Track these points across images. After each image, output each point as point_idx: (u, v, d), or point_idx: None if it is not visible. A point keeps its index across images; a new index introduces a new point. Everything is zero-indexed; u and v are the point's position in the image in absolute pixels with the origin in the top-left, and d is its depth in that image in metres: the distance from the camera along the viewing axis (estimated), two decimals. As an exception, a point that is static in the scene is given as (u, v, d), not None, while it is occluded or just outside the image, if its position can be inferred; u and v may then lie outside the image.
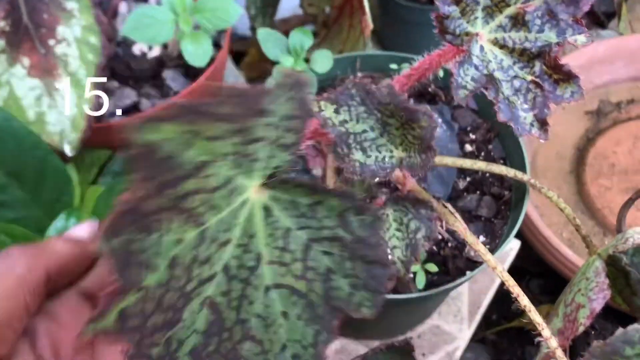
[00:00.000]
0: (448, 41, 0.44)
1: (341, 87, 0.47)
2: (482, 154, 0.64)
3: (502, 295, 0.84)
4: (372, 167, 0.48)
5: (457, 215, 0.61)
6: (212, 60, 0.68)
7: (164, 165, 0.29)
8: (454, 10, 0.43)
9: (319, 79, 0.67)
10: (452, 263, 0.57)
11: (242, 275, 0.34)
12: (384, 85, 0.46)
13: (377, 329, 0.71)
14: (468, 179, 0.63)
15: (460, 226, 0.50)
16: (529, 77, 0.44)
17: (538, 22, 0.43)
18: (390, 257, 0.52)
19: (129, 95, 0.66)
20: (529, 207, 0.83)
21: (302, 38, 0.62)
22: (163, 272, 0.31)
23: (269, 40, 0.62)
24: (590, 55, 0.95)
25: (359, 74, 0.70)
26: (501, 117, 0.43)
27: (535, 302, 0.88)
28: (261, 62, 0.85)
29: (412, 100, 0.49)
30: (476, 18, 0.44)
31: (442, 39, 0.45)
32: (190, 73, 0.69)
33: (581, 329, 0.46)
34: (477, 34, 0.44)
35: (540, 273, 0.89)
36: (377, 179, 0.48)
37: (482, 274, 0.78)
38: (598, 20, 1.14)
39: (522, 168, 0.61)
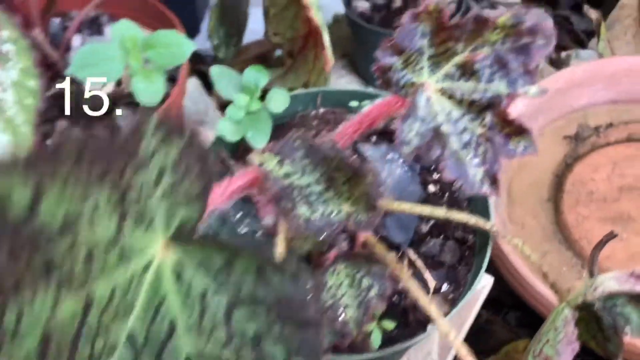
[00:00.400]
0: (393, 92, 0.41)
1: (284, 139, 0.44)
2: (446, 195, 0.61)
3: (477, 331, 0.81)
4: (318, 223, 0.45)
5: (420, 262, 0.58)
6: (166, 96, 0.65)
7: (20, 225, 0.25)
8: (396, 61, 0.39)
9: (279, 115, 0.64)
10: (412, 315, 0.54)
11: (154, 346, 0.31)
12: (327, 140, 0.43)
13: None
14: (431, 222, 0.59)
15: (412, 286, 0.47)
16: (479, 130, 0.41)
17: (488, 71, 0.40)
18: (342, 316, 0.49)
19: (79, 136, 0.62)
20: (503, 240, 0.80)
21: (256, 75, 0.59)
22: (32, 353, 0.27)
23: (222, 78, 0.59)
24: (568, 78, 0.92)
25: (321, 110, 0.66)
26: (448, 174, 0.40)
27: (513, 335, 0.84)
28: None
29: (368, 146, 0.46)
30: (422, 68, 0.41)
31: (386, 90, 0.41)
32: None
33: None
34: (423, 84, 0.41)
35: (518, 305, 0.85)
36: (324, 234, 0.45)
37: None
38: (578, 39, 1.11)
39: (486, 211, 0.58)
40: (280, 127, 0.65)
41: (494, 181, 0.40)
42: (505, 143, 0.40)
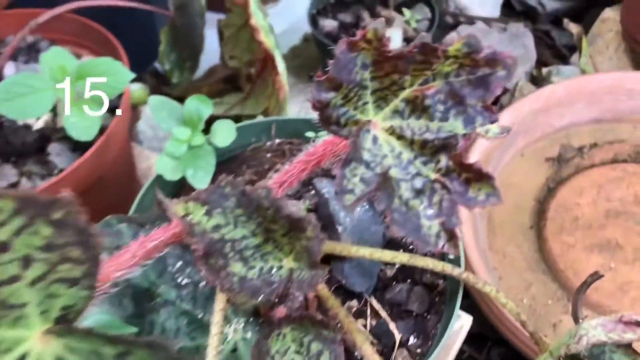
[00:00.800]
0: (333, 132, 0.35)
1: (212, 185, 0.38)
2: (412, 234, 0.55)
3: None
4: (255, 283, 0.39)
5: (384, 312, 0.52)
6: (104, 129, 0.58)
7: None
8: (333, 96, 0.33)
9: (229, 148, 0.58)
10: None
11: None
12: (262, 187, 0.37)
13: None
14: (397, 265, 0.54)
15: (368, 351, 0.41)
16: (434, 175, 0.35)
17: (441, 107, 0.34)
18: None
19: (8, 175, 0.56)
20: (484, 272, 0.74)
21: (198, 106, 0.53)
22: None
23: (162, 110, 0.53)
24: (548, 96, 0.86)
25: (276, 140, 0.61)
26: (395, 230, 0.34)
27: (497, 373, 0.78)
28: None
29: (325, 181, 0.40)
30: (365, 104, 0.35)
31: (326, 130, 0.36)
32: (80, 146, 0.59)
33: None
34: (368, 123, 0.35)
35: (501, 341, 0.79)
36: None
37: None
38: (559, 54, 1.05)
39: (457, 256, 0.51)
40: (230, 161, 0.59)
41: (451, 236, 0.34)
42: (464, 190, 0.34)
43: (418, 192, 0.35)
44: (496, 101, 0.99)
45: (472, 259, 0.73)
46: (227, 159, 0.59)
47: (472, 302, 0.74)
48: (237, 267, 0.38)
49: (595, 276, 0.54)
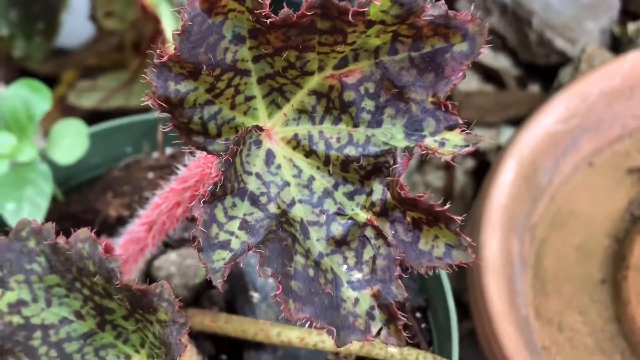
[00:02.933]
0: (198, 146, 0.34)
1: (4, 238, 0.37)
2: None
3: None
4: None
5: None
6: None
7: None
8: (190, 89, 0.32)
9: (85, 166, 0.57)
10: None
11: None
12: (81, 239, 0.36)
13: None
14: (353, 355, 0.52)
15: None
16: (364, 215, 0.34)
17: (369, 104, 0.33)
18: None
19: None
20: (523, 355, 0.73)
21: (28, 97, 0.52)
22: None
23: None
24: (630, 71, 0.86)
25: (167, 151, 0.60)
26: (293, 308, 0.32)
27: None
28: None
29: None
30: (250, 99, 0.33)
31: (187, 142, 0.34)
32: None
33: None
34: (259, 130, 0.34)
35: None
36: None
37: None
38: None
39: (447, 332, 0.50)
40: (86, 186, 0.58)
41: (391, 316, 0.33)
42: (412, 240, 0.33)
43: (339, 244, 0.34)
44: (552, 79, 0.98)
45: (503, 333, 0.72)
46: (83, 182, 0.59)
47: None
48: (53, 371, 0.38)
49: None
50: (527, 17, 0.98)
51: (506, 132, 0.95)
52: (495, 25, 0.99)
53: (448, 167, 0.95)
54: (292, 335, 0.47)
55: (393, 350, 0.46)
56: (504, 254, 0.77)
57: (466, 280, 0.78)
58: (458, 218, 0.33)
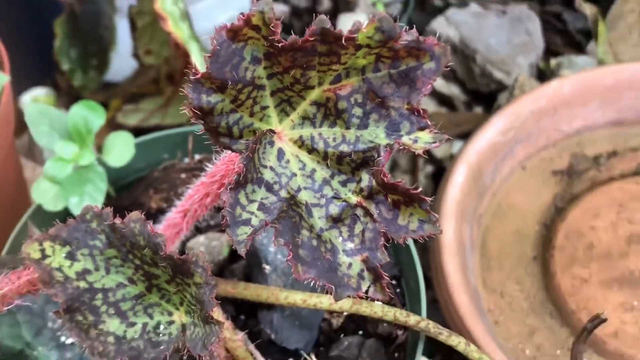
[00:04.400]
0: (225, 146, 0.34)
1: (73, 220, 0.37)
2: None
3: None
4: (136, 344, 0.37)
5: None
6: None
7: None
8: (218, 101, 0.32)
9: (131, 169, 0.57)
10: None
11: None
12: (133, 220, 0.35)
13: None
14: (345, 312, 0.52)
15: None
16: (355, 198, 0.33)
17: (358, 111, 0.33)
18: None
19: None
20: (473, 316, 0.72)
21: (87, 115, 0.52)
22: None
23: (42, 121, 0.52)
24: (554, 94, 0.86)
25: (197, 157, 0.59)
26: (301, 271, 0.32)
27: None
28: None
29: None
30: (265, 108, 0.33)
31: (215, 143, 0.34)
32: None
33: None
34: (272, 133, 0.34)
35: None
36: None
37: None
38: (573, 41, 1.05)
39: (417, 296, 0.50)
40: (134, 185, 0.57)
41: (377, 276, 0.33)
42: (392, 217, 0.33)
43: (335, 221, 0.34)
44: (492, 102, 0.98)
45: (458, 300, 0.72)
46: (130, 182, 0.58)
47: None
48: (112, 325, 0.37)
49: (597, 320, 0.53)
50: (472, 55, 0.98)
51: (457, 144, 0.95)
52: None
53: (413, 171, 0.94)
54: (297, 298, 0.47)
55: (376, 308, 0.45)
56: (457, 239, 0.77)
57: (429, 259, 0.77)
58: (428, 199, 0.33)
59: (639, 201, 0.82)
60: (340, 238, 0.34)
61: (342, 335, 0.52)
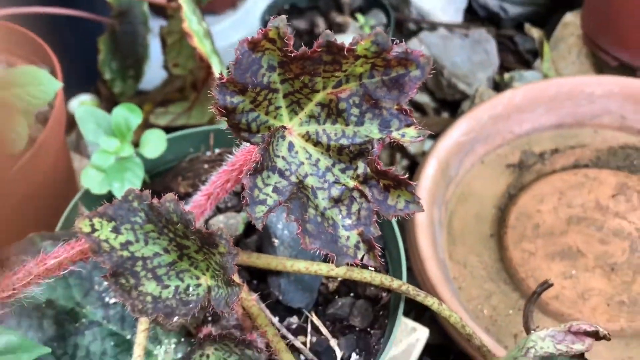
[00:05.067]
0: (244, 139, 0.33)
1: (118, 200, 0.36)
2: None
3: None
4: (170, 302, 0.37)
5: (324, 328, 0.50)
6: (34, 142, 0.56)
7: None
8: (240, 101, 0.32)
9: (163, 160, 0.56)
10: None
11: None
12: (169, 200, 0.35)
13: None
14: (339, 278, 0.51)
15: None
16: (352, 183, 0.33)
17: (355, 111, 0.32)
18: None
19: None
20: (442, 283, 0.72)
21: (127, 115, 0.51)
22: None
23: (89, 120, 0.51)
24: (507, 102, 0.86)
25: (216, 150, 0.58)
26: (309, 242, 0.32)
27: (460, 387, 0.76)
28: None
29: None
30: (278, 108, 0.33)
31: (237, 137, 0.34)
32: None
33: None
34: (284, 128, 0.33)
35: (464, 352, 0.78)
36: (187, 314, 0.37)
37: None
38: (523, 59, 1.05)
39: (399, 265, 0.50)
40: (165, 173, 0.57)
41: (370, 246, 0.32)
42: (383, 198, 0.32)
43: (336, 201, 0.33)
44: (457, 108, 0.98)
45: (429, 269, 0.72)
46: (162, 171, 0.57)
47: (434, 314, 0.72)
48: (150, 287, 0.36)
49: (545, 285, 0.53)
50: (441, 70, 0.98)
51: (428, 143, 0.94)
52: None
53: (391, 164, 0.94)
54: (300, 266, 0.46)
55: (365, 274, 0.45)
56: (429, 219, 0.77)
57: (405, 236, 0.77)
58: (414, 183, 0.32)
59: (576, 189, 0.82)
60: (340, 215, 0.33)
61: (336, 296, 0.52)
